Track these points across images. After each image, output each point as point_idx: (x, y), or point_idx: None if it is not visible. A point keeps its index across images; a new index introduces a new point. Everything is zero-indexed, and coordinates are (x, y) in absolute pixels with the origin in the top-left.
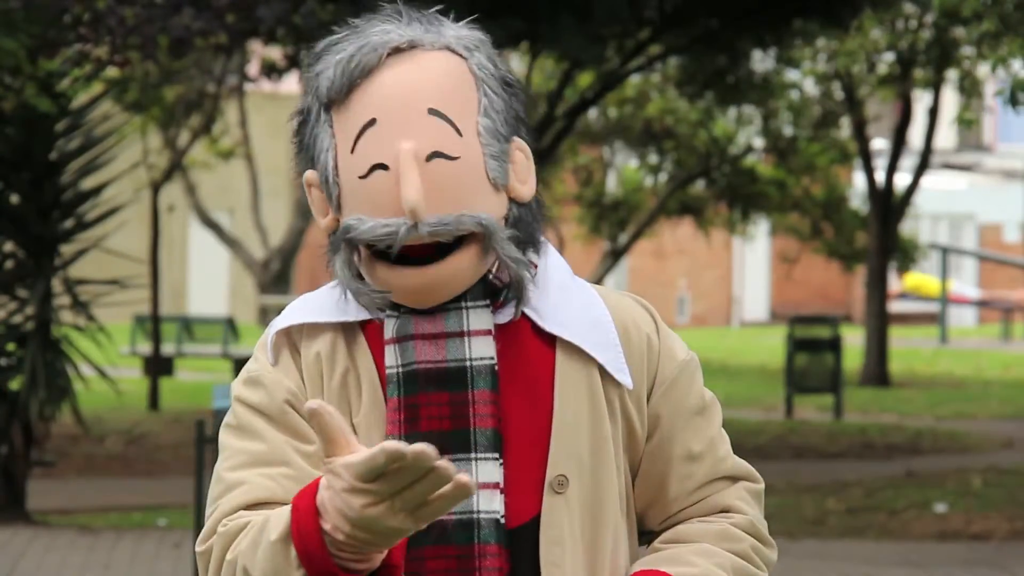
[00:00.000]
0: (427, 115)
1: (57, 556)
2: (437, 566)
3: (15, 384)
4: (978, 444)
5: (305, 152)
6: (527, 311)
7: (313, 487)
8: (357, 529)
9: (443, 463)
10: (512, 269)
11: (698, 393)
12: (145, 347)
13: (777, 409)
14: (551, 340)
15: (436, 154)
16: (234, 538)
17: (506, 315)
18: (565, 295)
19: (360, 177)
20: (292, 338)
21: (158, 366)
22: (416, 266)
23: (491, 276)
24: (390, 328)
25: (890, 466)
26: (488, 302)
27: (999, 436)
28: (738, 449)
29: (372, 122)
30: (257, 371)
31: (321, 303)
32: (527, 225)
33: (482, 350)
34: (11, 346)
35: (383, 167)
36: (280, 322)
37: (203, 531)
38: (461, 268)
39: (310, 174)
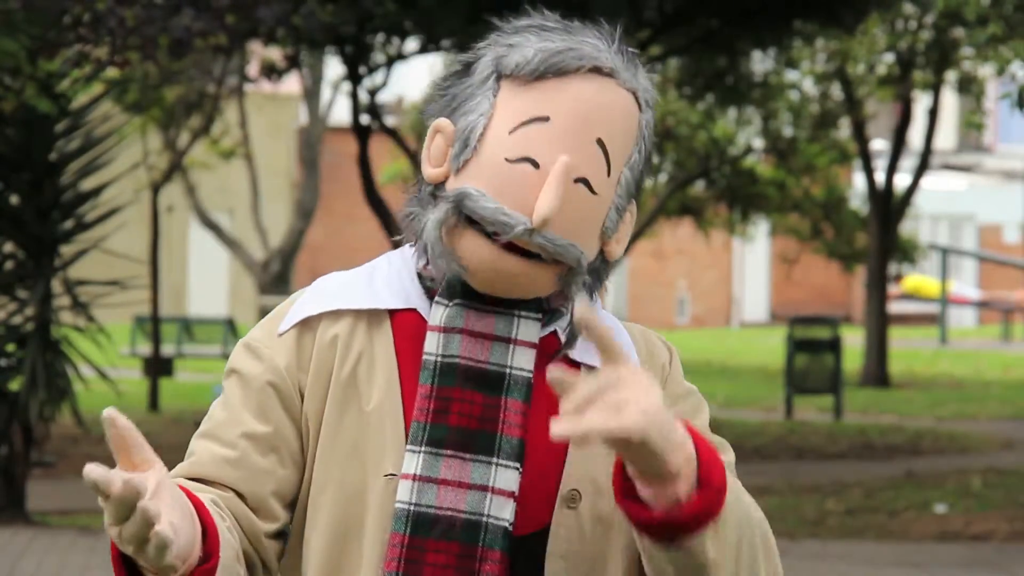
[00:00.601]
0: (594, 143)
1: (57, 557)
2: (437, 559)
3: (15, 385)
4: (978, 445)
5: (449, 100)
6: (560, 336)
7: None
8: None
9: (147, 506)
10: (572, 311)
11: (706, 418)
12: (145, 348)
13: (777, 410)
14: (575, 363)
15: (583, 180)
16: None
17: (543, 332)
18: None
19: (507, 160)
20: (312, 322)
21: (158, 367)
22: (514, 254)
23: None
24: (439, 316)
25: (890, 467)
26: (540, 315)
27: (999, 437)
28: (738, 450)
29: (545, 119)
30: (258, 340)
31: (350, 287)
32: (597, 277)
33: (523, 361)
34: (11, 347)
35: (534, 164)
36: (309, 307)
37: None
38: (541, 278)
39: (443, 121)
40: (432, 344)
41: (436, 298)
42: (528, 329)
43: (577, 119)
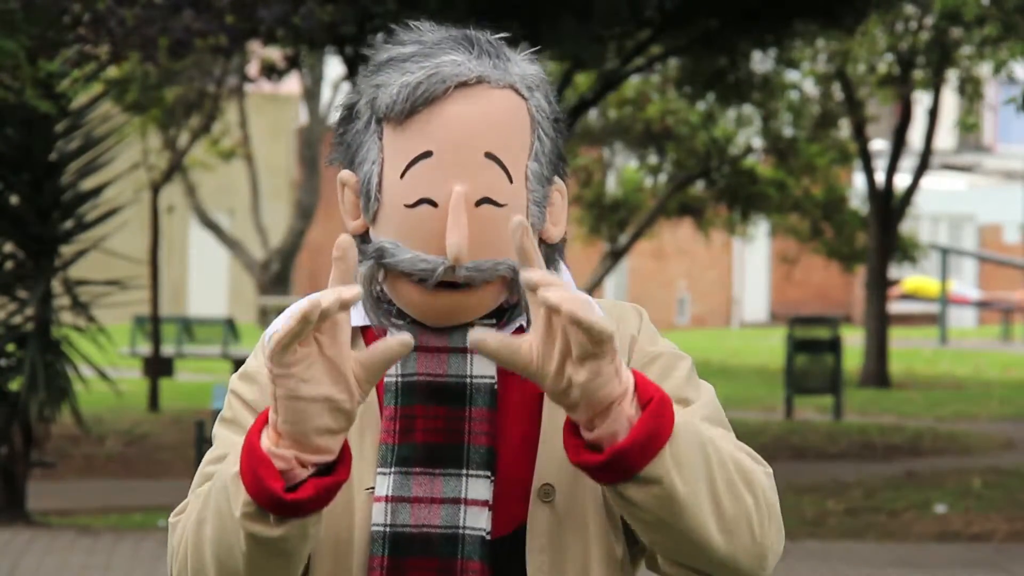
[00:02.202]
0: (483, 159)
1: (57, 557)
2: None
3: (15, 385)
4: (978, 445)
5: (346, 149)
6: (527, 328)
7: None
8: (288, 424)
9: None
10: (529, 311)
11: (678, 384)
12: (145, 348)
13: (777, 410)
14: None
15: (486, 200)
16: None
17: (506, 331)
18: None
19: (406, 206)
20: None
21: (158, 367)
22: (445, 290)
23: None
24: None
25: (890, 467)
26: (494, 321)
27: (999, 437)
28: None
29: (428, 154)
30: (254, 368)
31: None
32: (549, 263)
33: (484, 368)
34: (11, 347)
35: (432, 203)
36: (281, 324)
37: (173, 512)
38: (485, 300)
39: (347, 174)
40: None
41: (391, 320)
42: None
43: (459, 144)
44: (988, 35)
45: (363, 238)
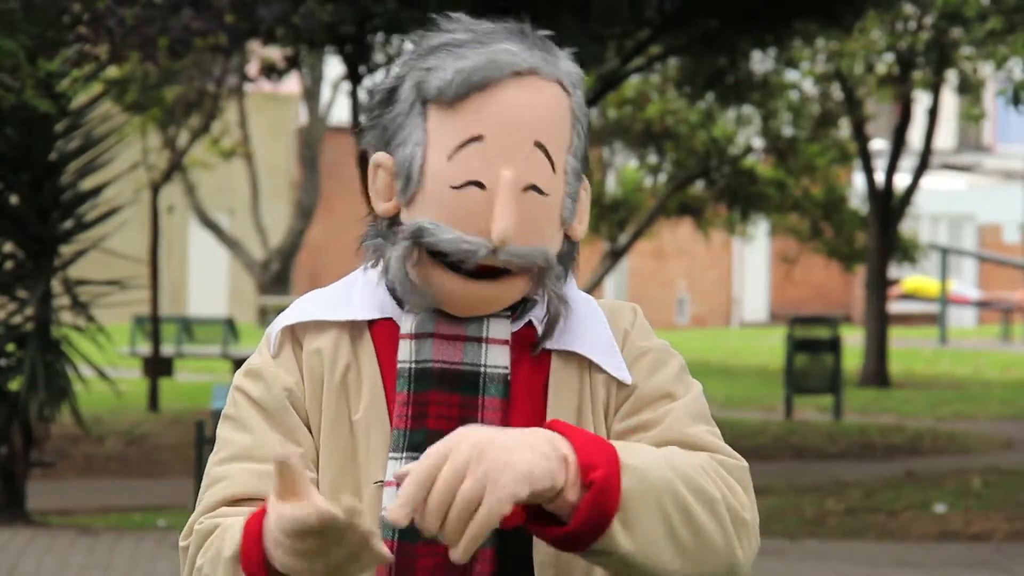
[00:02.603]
0: (532, 147)
1: (57, 557)
2: (427, 564)
3: (15, 385)
4: (978, 445)
5: (381, 132)
6: (536, 325)
7: (263, 511)
8: (286, 568)
9: (368, 530)
10: (553, 304)
11: (669, 379)
12: (145, 348)
13: (777, 410)
14: (546, 349)
15: (532, 187)
16: (206, 539)
17: (516, 325)
18: (577, 319)
19: (452, 187)
20: (296, 334)
21: (158, 367)
22: (477, 279)
23: None
24: (409, 324)
25: (890, 467)
26: (510, 313)
27: (999, 437)
28: (738, 449)
29: (479, 138)
30: (259, 365)
31: (328, 301)
32: (568, 260)
33: (498, 358)
34: (11, 347)
35: (480, 185)
36: (285, 319)
37: (186, 525)
38: (514, 290)
39: (382, 156)
40: (405, 352)
41: (407, 307)
42: (499, 327)
43: (510, 130)
44: (992, 29)
45: (392, 221)
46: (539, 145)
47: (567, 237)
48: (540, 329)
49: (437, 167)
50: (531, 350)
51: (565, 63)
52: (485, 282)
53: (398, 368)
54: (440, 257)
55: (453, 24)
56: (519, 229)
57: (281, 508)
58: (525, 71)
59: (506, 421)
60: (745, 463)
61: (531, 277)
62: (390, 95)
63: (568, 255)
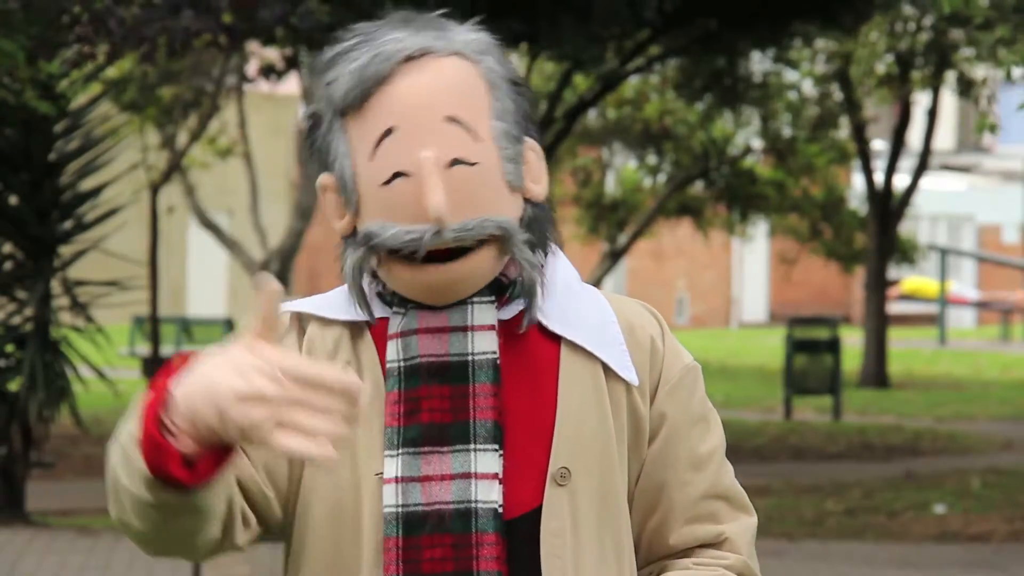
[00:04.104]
0: (444, 122)
1: (56, 557)
2: (434, 554)
3: (14, 385)
4: (977, 445)
5: (318, 156)
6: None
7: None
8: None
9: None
10: (526, 272)
11: (701, 399)
12: (144, 348)
13: (776, 410)
14: (555, 338)
15: (456, 161)
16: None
17: (511, 311)
18: (571, 297)
19: (381, 184)
20: (301, 323)
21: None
22: (438, 263)
23: (499, 274)
24: (395, 324)
25: (889, 467)
26: (493, 298)
27: (998, 437)
28: (737, 450)
29: (390, 130)
30: None
31: (332, 302)
32: (540, 225)
33: (485, 345)
34: (10, 347)
35: (404, 175)
36: (291, 305)
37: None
38: (480, 267)
39: (325, 178)
40: (392, 352)
41: (392, 308)
42: (483, 313)
43: (416, 113)
44: (1001, 37)
45: (353, 237)
46: (452, 119)
47: (529, 202)
48: (526, 309)
49: (364, 171)
50: (518, 327)
51: (463, 35)
52: (447, 264)
53: (387, 369)
54: (396, 253)
55: (348, 33)
56: (455, 204)
57: (285, 356)
58: (416, 54)
59: (500, 406)
60: (754, 517)
61: (496, 249)
62: (314, 119)
63: (538, 220)
